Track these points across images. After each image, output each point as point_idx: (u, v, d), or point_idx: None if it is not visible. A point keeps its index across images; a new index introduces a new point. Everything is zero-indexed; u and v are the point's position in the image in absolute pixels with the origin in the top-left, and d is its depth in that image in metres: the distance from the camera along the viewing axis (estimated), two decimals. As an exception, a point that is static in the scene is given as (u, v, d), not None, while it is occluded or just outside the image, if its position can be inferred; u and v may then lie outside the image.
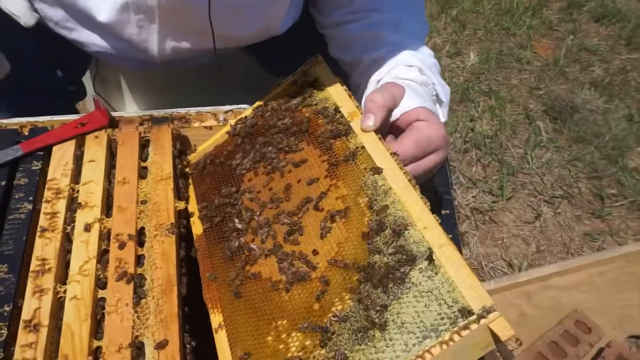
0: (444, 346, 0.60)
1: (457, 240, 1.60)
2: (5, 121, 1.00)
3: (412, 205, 0.72)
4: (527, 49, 2.70)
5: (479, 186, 2.07)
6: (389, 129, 0.92)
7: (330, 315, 0.68)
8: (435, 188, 1.03)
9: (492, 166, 2.15)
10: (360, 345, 0.64)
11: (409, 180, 0.75)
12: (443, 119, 1.02)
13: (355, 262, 0.71)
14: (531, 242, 1.90)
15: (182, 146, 1.03)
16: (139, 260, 0.80)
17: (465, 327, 0.60)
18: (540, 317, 1.57)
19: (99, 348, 0.71)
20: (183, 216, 0.90)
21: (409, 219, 0.71)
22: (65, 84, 1.28)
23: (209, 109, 1.05)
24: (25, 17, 1.09)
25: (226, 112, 1.05)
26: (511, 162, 2.17)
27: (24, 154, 0.93)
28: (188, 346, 0.74)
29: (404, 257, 0.68)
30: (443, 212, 1.69)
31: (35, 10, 1.10)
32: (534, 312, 1.60)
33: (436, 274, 0.65)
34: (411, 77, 0.98)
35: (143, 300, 0.75)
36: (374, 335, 0.63)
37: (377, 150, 0.81)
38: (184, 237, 0.87)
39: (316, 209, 0.79)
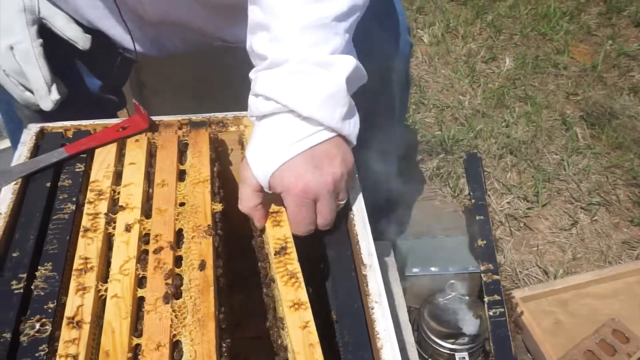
0: None
1: (492, 246, 1.60)
2: (50, 125, 1.04)
3: None
4: (564, 54, 2.66)
5: (513, 192, 2.05)
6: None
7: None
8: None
9: (528, 172, 2.13)
10: None
11: None
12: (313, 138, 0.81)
13: None
14: (567, 250, 1.87)
15: (219, 149, 1.05)
16: (177, 261, 0.82)
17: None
18: (576, 325, 1.55)
19: (138, 345, 0.72)
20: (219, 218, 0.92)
21: None
22: (106, 93, 1.31)
23: (245, 113, 1.06)
24: (82, 42, 1.12)
25: (262, 116, 1.06)
26: (547, 169, 2.14)
27: (68, 156, 0.96)
28: (224, 345, 0.75)
29: None
30: (477, 217, 1.70)
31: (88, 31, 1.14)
32: (570, 320, 1.58)
33: None
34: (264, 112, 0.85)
35: (180, 300, 0.77)
36: None
37: None
38: (221, 239, 0.88)
39: None
